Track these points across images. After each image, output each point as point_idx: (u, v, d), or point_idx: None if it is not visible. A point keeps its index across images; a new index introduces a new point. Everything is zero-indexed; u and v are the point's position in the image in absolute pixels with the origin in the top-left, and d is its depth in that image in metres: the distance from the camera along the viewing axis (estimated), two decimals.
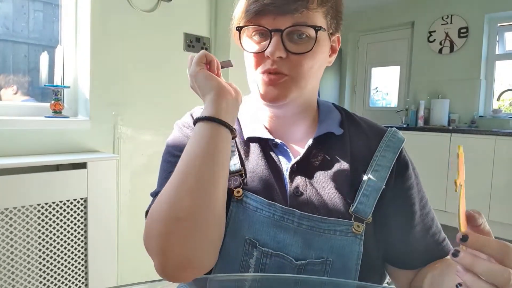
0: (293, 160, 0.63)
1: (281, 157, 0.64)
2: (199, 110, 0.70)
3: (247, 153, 0.65)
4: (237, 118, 0.69)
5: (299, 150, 0.66)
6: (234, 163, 0.63)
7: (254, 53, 0.60)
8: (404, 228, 0.63)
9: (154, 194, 0.62)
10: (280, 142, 0.64)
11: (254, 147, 0.65)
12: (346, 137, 0.66)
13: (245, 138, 0.66)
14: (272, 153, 0.65)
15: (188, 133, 0.66)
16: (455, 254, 0.38)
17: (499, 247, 0.37)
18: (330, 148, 0.65)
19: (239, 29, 0.61)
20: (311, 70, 0.60)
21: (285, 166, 0.63)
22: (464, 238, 0.38)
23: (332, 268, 0.57)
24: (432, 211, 0.67)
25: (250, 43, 0.61)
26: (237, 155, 0.64)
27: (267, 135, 0.65)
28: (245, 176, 0.62)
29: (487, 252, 0.38)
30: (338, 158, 0.64)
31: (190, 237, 0.48)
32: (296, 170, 0.62)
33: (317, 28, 0.58)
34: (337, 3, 0.62)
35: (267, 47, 0.58)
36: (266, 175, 0.62)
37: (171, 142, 0.67)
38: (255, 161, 0.63)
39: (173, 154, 0.64)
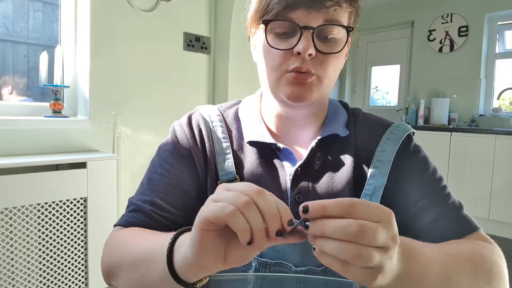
0: (297, 164, 0.61)
1: (285, 162, 0.62)
2: (202, 109, 0.68)
3: (244, 158, 0.63)
4: (239, 120, 0.67)
5: (303, 153, 0.63)
6: (229, 171, 0.61)
7: (282, 50, 0.56)
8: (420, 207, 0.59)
9: (131, 205, 0.60)
10: (283, 147, 0.62)
11: (253, 152, 0.63)
12: (351, 138, 0.64)
13: (245, 142, 0.64)
14: (274, 158, 0.62)
15: (183, 138, 0.64)
16: (307, 226, 0.36)
17: (338, 203, 0.35)
18: (335, 150, 0.63)
19: (267, 22, 0.56)
20: (335, 71, 0.58)
21: (289, 170, 0.61)
22: (305, 210, 0.35)
23: (333, 275, 0.56)
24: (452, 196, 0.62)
25: (273, 39, 0.57)
26: (232, 162, 0.62)
27: (269, 139, 0.62)
28: None
29: (330, 214, 0.35)
30: (343, 160, 0.62)
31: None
32: (300, 174, 0.60)
33: (349, 29, 0.56)
34: (359, 5, 0.60)
35: (295, 44, 0.54)
36: (264, 182, 0.60)
37: (163, 146, 0.65)
38: (253, 168, 0.61)
39: (161, 165, 0.62)
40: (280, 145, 0.62)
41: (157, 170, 0.62)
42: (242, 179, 0.61)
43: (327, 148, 0.63)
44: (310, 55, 0.54)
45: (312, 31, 0.54)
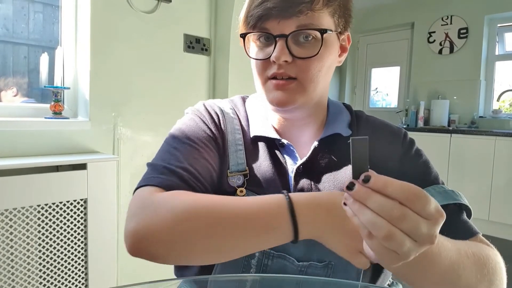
0: (299, 162, 0.62)
1: (287, 158, 0.63)
2: (215, 101, 0.70)
3: (253, 152, 0.64)
4: (246, 115, 0.69)
5: (306, 151, 0.64)
6: (240, 162, 0.62)
7: (260, 60, 0.59)
8: None
9: (162, 167, 0.56)
10: (287, 143, 0.63)
11: (261, 146, 0.64)
12: None
13: (251, 136, 0.65)
14: (278, 153, 0.64)
15: (206, 119, 0.65)
16: (350, 188, 0.36)
17: (402, 189, 0.35)
18: (337, 149, 0.64)
19: (243, 36, 0.60)
20: (319, 73, 0.58)
21: (291, 167, 0.62)
22: (366, 180, 0.36)
23: (334, 271, 0.57)
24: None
25: (255, 48, 0.60)
26: (243, 154, 0.63)
27: (274, 135, 0.64)
28: (249, 176, 0.62)
29: (389, 193, 0.35)
30: (345, 160, 0.63)
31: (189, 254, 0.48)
32: (302, 172, 0.61)
33: (322, 31, 0.56)
34: (344, 1, 0.60)
35: (272, 52, 0.56)
36: (271, 175, 0.61)
37: (186, 122, 0.65)
38: (261, 161, 0.63)
39: (188, 137, 0.61)
40: (284, 141, 0.63)
41: (185, 140, 0.61)
42: (251, 171, 0.62)
43: (330, 147, 0.64)
44: (286, 61, 0.56)
45: (285, 38, 0.55)
